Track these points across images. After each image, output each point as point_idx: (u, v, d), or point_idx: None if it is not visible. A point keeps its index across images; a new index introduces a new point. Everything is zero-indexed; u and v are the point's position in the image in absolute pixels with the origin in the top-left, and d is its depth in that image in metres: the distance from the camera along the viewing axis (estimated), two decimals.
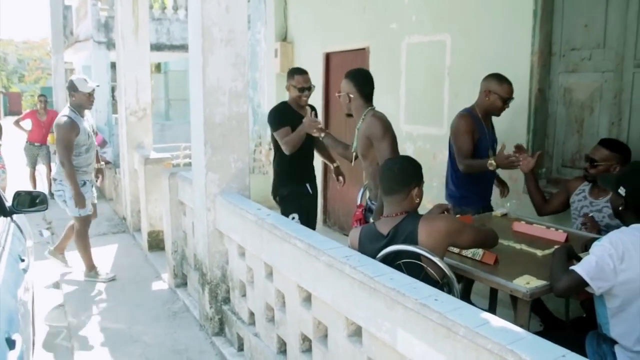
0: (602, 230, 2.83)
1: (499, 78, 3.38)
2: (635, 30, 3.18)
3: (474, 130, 3.35)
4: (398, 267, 2.08)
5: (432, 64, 4.64)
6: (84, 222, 4.58)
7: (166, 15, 12.75)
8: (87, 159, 4.62)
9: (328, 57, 6.29)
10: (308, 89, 3.86)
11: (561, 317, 3.15)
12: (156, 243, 5.18)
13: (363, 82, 3.16)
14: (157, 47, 11.96)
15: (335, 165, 4.16)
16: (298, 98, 3.84)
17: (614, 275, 1.97)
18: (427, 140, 4.80)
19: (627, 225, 2.09)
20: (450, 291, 2.04)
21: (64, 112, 4.57)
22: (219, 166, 3.24)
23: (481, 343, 1.38)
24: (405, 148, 4.84)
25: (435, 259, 2.01)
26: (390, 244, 2.19)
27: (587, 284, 1.97)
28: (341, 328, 2.09)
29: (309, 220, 3.90)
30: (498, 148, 3.33)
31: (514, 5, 3.80)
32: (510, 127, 3.88)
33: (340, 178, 4.15)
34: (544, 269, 2.26)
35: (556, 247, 2.49)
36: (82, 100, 4.57)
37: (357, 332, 2.05)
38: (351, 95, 3.12)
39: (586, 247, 2.28)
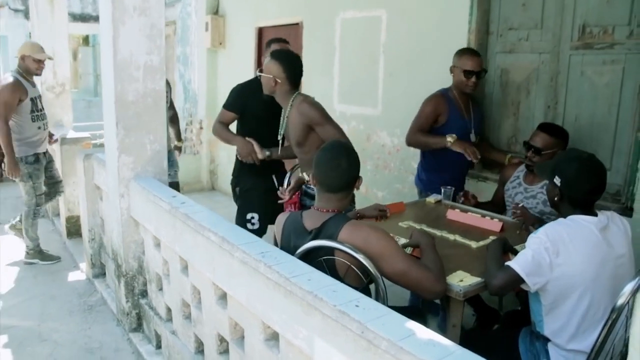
0: (536, 218, 2.73)
1: (460, 50, 3.22)
2: (572, 11, 3.08)
3: (442, 112, 3.18)
4: (319, 264, 1.88)
5: (367, 41, 4.46)
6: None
7: None
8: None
9: (260, 31, 6.00)
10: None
11: (494, 305, 3.08)
12: (75, 229, 4.79)
13: (293, 68, 2.83)
14: (82, 18, 11.19)
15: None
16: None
17: (550, 270, 1.86)
18: (361, 121, 4.63)
19: (563, 216, 1.98)
20: (376, 292, 1.86)
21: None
22: (133, 148, 2.94)
23: (405, 359, 1.20)
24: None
25: (359, 256, 1.82)
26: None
27: (523, 281, 1.84)
28: (257, 331, 1.88)
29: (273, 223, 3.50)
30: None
31: None
32: None
33: None
34: (478, 263, 2.12)
35: (491, 238, 2.38)
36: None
37: (274, 336, 1.85)
38: (278, 80, 2.80)
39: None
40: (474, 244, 2.37)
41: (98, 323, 3.39)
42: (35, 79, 4.45)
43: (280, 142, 3.01)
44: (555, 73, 3.19)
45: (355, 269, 1.85)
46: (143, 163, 2.99)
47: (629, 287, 1.71)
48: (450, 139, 3.04)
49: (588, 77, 3.05)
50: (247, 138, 3.25)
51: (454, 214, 2.79)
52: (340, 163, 1.98)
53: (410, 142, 3.28)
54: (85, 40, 18.68)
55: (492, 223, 2.63)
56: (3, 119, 4.03)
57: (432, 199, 3.14)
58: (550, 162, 2.13)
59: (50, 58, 4.50)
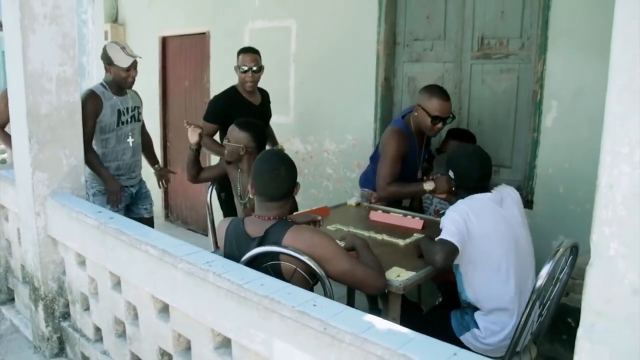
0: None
1: (430, 91, 2.95)
2: (471, 24, 3.37)
3: (405, 151, 3.00)
4: (264, 270, 1.93)
5: (278, 50, 4.54)
6: None
7: None
8: (116, 154, 3.42)
9: (165, 41, 5.89)
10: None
11: (415, 299, 3.28)
12: None
13: (260, 137, 2.86)
14: None
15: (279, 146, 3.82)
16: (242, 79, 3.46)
17: (467, 237, 2.13)
18: (274, 129, 4.69)
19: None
20: (324, 292, 1.94)
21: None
22: (48, 164, 2.80)
23: (370, 349, 1.29)
24: None
25: (304, 258, 1.89)
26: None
27: (457, 250, 2.08)
28: (206, 340, 1.89)
29: None
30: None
31: None
32: (358, 115, 3.94)
33: None
34: (409, 259, 2.28)
35: (418, 236, 2.56)
36: (118, 78, 3.33)
37: (225, 344, 1.88)
38: (248, 149, 2.80)
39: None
40: (401, 242, 2.53)
41: (12, 353, 3.16)
42: None
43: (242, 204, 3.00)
44: (459, 81, 3.47)
45: (302, 271, 1.92)
46: (59, 179, 2.85)
47: (544, 270, 1.94)
48: (428, 187, 2.73)
49: (488, 85, 3.35)
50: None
51: (376, 215, 2.94)
52: (280, 172, 2.03)
53: (385, 195, 3.03)
54: None
55: (413, 222, 2.81)
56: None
57: (352, 201, 3.28)
58: (445, 155, 2.40)
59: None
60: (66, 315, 2.96)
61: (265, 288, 1.64)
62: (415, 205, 3.32)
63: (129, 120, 3.44)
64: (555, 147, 2.98)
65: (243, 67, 3.44)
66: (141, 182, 3.69)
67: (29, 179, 2.79)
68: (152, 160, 3.87)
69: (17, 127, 2.86)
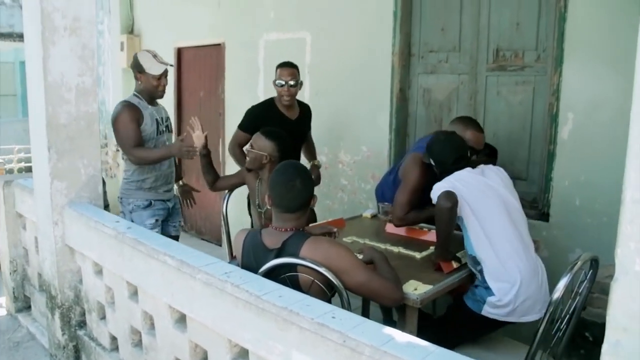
0: None
1: (464, 123, 2.88)
2: (486, 36, 3.38)
3: (428, 180, 2.75)
4: (282, 281, 1.93)
5: (293, 61, 4.56)
6: None
7: None
8: (153, 165, 3.32)
9: (180, 52, 5.96)
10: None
11: (429, 311, 3.26)
12: None
13: (285, 148, 2.86)
14: None
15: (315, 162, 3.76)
16: (279, 94, 3.46)
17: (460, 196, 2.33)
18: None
19: None
20: (342, 304, 1.94)
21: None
22: (67, 173, 2.84)
23: None
24: None
25: (322, 270, 1.90)
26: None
27: (454, 194, 2.30)
28: (224, 351, 1.89)
29: None
30: None
31: (374, 6, 3.86)
32: (373, 126, 3.94)
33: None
34: (425, 272, 2.28)
35: (432, 248, 2.55)
36: (149, 86, 3.28)
37: (242, 355, 1.88)
38: (268, 158, 2.83)
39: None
40: (417, 255, 2.52)
41: None
42: None
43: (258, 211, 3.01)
44: (474, 92, 3.46)
45: (319, 283, 1.93)
46: (77, 189, 2.88)
47: (562, 283, 1.93)
48: None
49: (503, 97, 3.35)
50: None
51: (392, 228, 2.93)
52: (295, 184, 2.04)
53: (400, 225, 2.86)
54: None
55: (429, 234, 2.80)
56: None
57: (367, 214, 3.29)
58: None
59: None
60: (82, 324, 2.98)
61: (283, 299, 1.64)
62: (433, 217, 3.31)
63: (164, 130, 3.41)
64: (571, 159, 2.96)
65: (280, 82, 3.42)
66: (175, 197, 3.62)
67: (47, 188, 2.82)
68: (177, 174, 3.69)
69: (36, 136, 2.89)
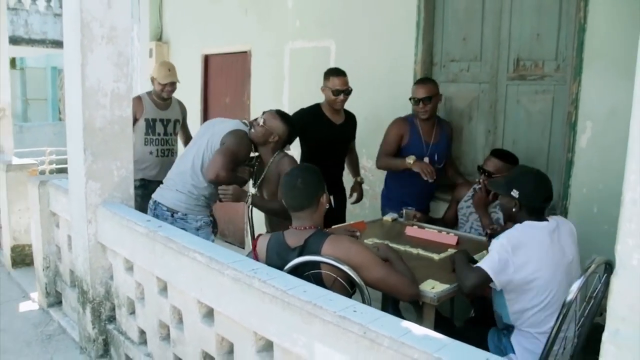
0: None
1: (417, 81, 3.54)
2: (507, 46, 3.45)
3: (404, 134, 3.49)
4: (306, 278, 2.03)
5: (317, 70, 4.66)
6: None
7: (23, 5, 11.59)
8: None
9: (207, 59, 6.12)
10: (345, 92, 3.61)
11: (446, 314, 3.33)
12: (21, 259, 4.67)
13: (294, 132, 3.11)
14: (13, 40, 10.83)
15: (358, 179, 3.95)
16: (333, 101, 3.61)
17: (511, 270, 2.13)
18: None
19: (520, 222, 2.26)
20: (362, 300, 2.04)
21: None
22: (101, 174, 2.98)
23: (408, 353, 1.38)
24: (293, 153, 4.84)
25: (345, 268, 2.00)
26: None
27: (491, 280, 2.10)
28: (249, 344, 2.00)
29: None
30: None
31: (398, 16, 3.95)
32: None
33: (355, 195, 3.90)
34: (443, 272, 2.36)
35: (452, 251, 2.63)
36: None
37: (266, 347, 1.98)
38: (276, 138, 3.04)
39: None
40: (436, 256, 2.61)
41: (60, 352, 3.34)
42: None
43: (251, 196, 3.09)
44: (494, 101, 3.53)
45: (341, 280, 2.02)
46: (110, 189, 3.03)
47: (575, 286, 1.99)
48: (409, 160, 3.32)
49: (523, 105, 3.41)
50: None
51: (412, 231, 3.03)
52: (296, 184, 2.21)
53: (379, 166, 3.58)
54: (12, 63, 17.92)
55: (448, 237, 2.89)
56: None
57: (388, 217, 3.37)
58: (503, 177, 2.41)
59: (177, 82, 4.21)
60: (112, 319, 3.11)
61: (308, 294, 1.74)
62: (448, 219, 3.40)
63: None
64: (589, 167, 3.01)
65: (337, 89, 3.56)
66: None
67: (82, 188, 2.97)
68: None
69: (73, 139, 3.05)
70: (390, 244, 2.77)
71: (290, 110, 4.94)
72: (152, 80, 4.19)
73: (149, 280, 2.66)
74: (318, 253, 2.07)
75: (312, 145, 3.63)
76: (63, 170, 9.04)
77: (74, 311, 3.48)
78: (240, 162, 3.14)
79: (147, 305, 2.72)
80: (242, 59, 5.54)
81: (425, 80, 3.53)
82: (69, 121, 3.10)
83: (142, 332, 2.82)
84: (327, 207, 2.28)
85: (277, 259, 2.19)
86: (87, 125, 2.92)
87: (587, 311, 2.20)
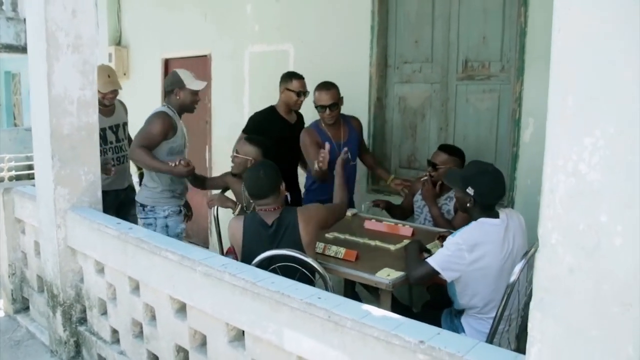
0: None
1: (317, 86, 3.58)
2: (456, 49, 3.67)
3: (318, 141, 3.44)
4: (273, 272, 2.18)
5: (276, 72, 4.79)
6: None
7: None
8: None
9: (167, 62, 6.17)
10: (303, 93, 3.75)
11: (406, 302, 3.53)
12: None
13: (267, 149, 3.18)
14: None
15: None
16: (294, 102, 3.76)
17: (465, 266, 2.30)
18: None
19: (474, 218, 2.43)
20: (325, 287, 2.20)
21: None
22: (69, 180, 3.05)
23: (368, 332, 1.55)
24: None
25: (309, 260, 2.16)
26: (276, 234, 2.45)
27: (438, 273, 2.28)
28: (221, 335, 2.13)
29: None
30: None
31: (353, 21, 4.13)
32: None
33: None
34: (399, 261, 2.54)
35: (407, 241, 2.81)
36: (186, 100, 3.52)
37: (237, 337, 2.12)
38: (253, 162, 3.09)
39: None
40: (392, 247, 2.79)
41: (30, 356, 3.38)
42: None
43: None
44: (445, 100, 3.75)
45: (306, 271, 2.19)
46: (78, 194, 3.10)
47: (517, 268, 2.21)
48: (316, 166, 3.23)
49: (472, 104, 3.64)
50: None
51: (371, 224, 3.21)
52: (259, 175, 2.53)
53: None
54: None
55: (404, 229, 3.08)
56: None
57: (349, 212, 3.54)
58: (458, 173, 2.58)
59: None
60: (83, 320, 3.18)
61: (276, 285, 1.89)
62: (405, 206, 3.60)
63: (186, 143, 3.66)
64: (532, 160, 3.25)
65: (299, 91, 3.77)
66: None
67: (51, 193, 3.03)
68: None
69: (40, 146, 3.10)
70: (350, 237, 2.97)
71: (250, 111, 5.09)
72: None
73: (120, 280, 2.75)
74: (295, 221, 2.42)
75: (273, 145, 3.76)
76: (22, 177, 8.87)
77: (42, 316, 3.53)
78: (155, 140, 3.34)
79: (119, 305, 2.81)
80: (202, 62, 5.62)
81: (329, 85, 3.52)
82: (36, 128, 3.15)
83: (115, 332, 2.91)
84: (286, 194, 2.61)
85: (256, 236, 2.45)
86: (55, 132, 2.98)
87: (528, 291, 2.41)
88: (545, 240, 1.15)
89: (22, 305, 3.95)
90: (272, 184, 2.53)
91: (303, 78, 3.80)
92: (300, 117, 3.96)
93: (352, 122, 3.71)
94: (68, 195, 3.06)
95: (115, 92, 3.89)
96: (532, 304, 1.18)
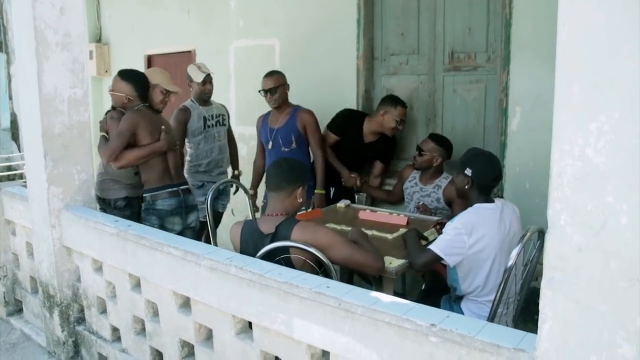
0: (432, 213, 3.31)
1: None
2: (442, 40, 3.73)
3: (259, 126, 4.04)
4: (278, 263, 2.21)
5: (262, 67, 4.81)
6: None
7: None
8: (206, 152, 4.11)
9: (150, 59, 6.13)
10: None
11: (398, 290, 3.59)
12: None
13: (139, 84, 3.46)
14: None
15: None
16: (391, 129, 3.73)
17: (465, 250, 2.38)
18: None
19: (471, 203, 2.52)
20: (330, 279, 2.23)
21: None
22: (62, 179, 3.04)
23: (379, 317, 1.59)
24: (239, 149, 4.97)
25: (312, 249, 2.19)
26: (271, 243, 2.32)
27: (441, 259, 2.34)
28: (228, 327, 2.16)
29: None
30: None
31: (339, 14, 4.16)
32: None
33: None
34: (397, 249, 2.60)
35: (404, 230, 2.87)
36: (198, 91, 4.09)
37: (244, 329, 2.15)
38: (130, 98, 3.42)
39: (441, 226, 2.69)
40: (389, 236, 2.85)
41: (27, 359, 3.37)
42: None
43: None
44: (433, 91, 3.82)
45: (310, 262, 2.22)
46: (72, 193, 3.08)
47: (514, 252, 2.28)
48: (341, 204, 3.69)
49: (459, 94, 3.71)
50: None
51: (365, 214, 3.26)
52: (283, 164, 2.47)
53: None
54: None
55: (399, 218, 3.14)
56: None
57: (342, 204, 3.60)
58: (458, 159, 2.69)
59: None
60: (81, 320, 3.18)
61: (283, 276, 1.93)
62: (395, 192, 3.75)
63: (214, 124, 4.12)
64: (520, 148, 3.34)
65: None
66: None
67: (44, 193, 3.01)
68: (234, 164, 4.43)
69: (32, 146, 3.08)
70: (346, 228, 3.00)
71: (236, 106, 5.10)
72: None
73: (120, 278, 2.76)
74: (288, 238, 2.25)
75: (342, 147, 3.93)
76: (2, 179, 8.72)
77: (37, 317, 3.51)
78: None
79: (119, 303, 2.82)
80: (186, 58, 5.59)
81: (272, 72, 3.89)
82: (26, 128, 3.13)
83: (115, 330, 2.92)
84: (301, 201, 2.39)
85: (251, 244, 2.36)
86: (46, 131, 2.96)
87: (525, 275, 2.50)
88: (554, 221, 1.21)
89: (15, 308, 3.91)
90: (289, 179, 2.35)
91: (407, 107, 3.76)
92: (379, 141, 3.85)
93: (298, 113, 3.84)
94: (62, 194, 3.04)
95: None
96: (542, 283, 1.24)
